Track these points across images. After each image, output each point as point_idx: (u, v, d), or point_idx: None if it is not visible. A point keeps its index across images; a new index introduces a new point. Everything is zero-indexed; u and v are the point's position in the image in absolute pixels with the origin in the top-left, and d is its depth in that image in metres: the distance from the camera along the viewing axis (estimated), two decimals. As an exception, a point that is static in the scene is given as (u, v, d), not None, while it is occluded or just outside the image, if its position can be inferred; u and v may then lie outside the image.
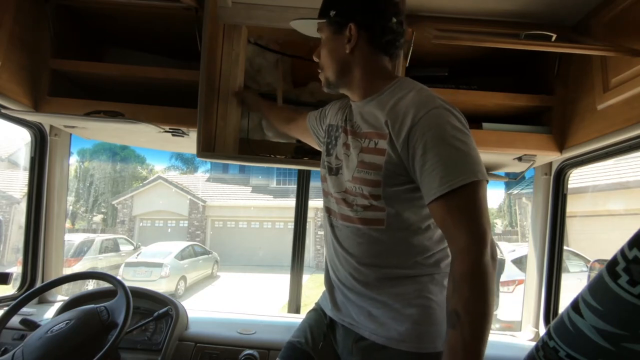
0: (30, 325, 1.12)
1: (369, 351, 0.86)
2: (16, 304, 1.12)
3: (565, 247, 1.54)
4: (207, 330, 1.36)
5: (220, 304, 7.03)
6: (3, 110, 1.26)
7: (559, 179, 1.50)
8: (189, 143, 1.53)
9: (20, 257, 1.58)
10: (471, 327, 0.67)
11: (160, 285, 6.76)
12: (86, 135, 1.64)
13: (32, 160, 1.53)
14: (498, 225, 11.71)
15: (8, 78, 1.23)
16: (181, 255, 7.84)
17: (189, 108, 1.33)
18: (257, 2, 1.31)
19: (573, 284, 3.49)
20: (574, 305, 0.72)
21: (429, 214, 0.81)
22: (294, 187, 7.20)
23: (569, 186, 1.52)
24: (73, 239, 7.38)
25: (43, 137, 1.52)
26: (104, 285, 1.24)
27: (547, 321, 1.52)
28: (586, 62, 1.23)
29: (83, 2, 1.36)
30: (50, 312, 1.45)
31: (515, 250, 5.21)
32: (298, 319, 1.11)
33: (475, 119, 1.40)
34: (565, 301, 1.33)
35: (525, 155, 1.40)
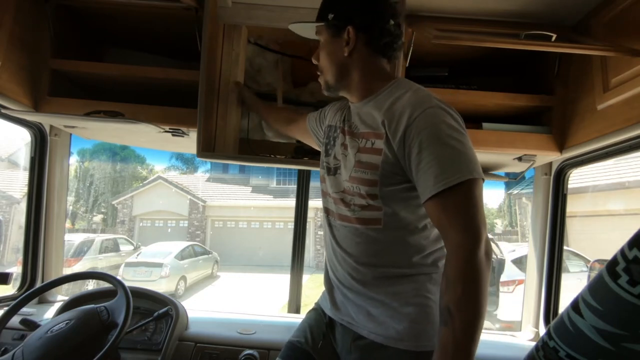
0: (30, 325, 1.12)
1: (368, 350, 0.87)
2: (16, 304, 1.12)
3: (565, 247, 1.54)
4: (207, 330, 1.36)
5: (220, 304, 7.03)
6: (3, 110, 1.26)
7: (559, 179, 1.50)
8: (189, 143, 1.53)
9: (20, 257, 1.58)
10: (463, 325, 0.68)
11: (160, 285, 6.76)
12: (86, 135, 1.64)
13: (32, 160, 1.53)
14: (498, 225, 11.71)
15: (8, 78, 1.23)
16: (181, 255, 7.84)
17: (189, 108, 1.33)
18: (257, 2, 1.31)
19: (573, 284, 3.49)
20: (574, 305, 0.72)
21: (425, 213, 0.82)
22: (294, 187, 7.19)
23: (569, 186, 1.52)
24: (73, 239, 7.37)
25: (43, 137, 1.52)
26: (104, 285, 1.24)
27: (547, 321, 1.52)
28: (586, 62, 1.23)
29: (83, 2, 1.36)
30: (50, 312, 1.45)
31: (515, 250, 5.22)
32: (298, 319, 1.11)
33: (475, 119, 1.40)
34: (565, 301, 1.33)
35: (525, 155, 1.40)
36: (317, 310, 1.05)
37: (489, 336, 1.57)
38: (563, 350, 0.73)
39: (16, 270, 1.64)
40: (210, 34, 1.27)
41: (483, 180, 0.76)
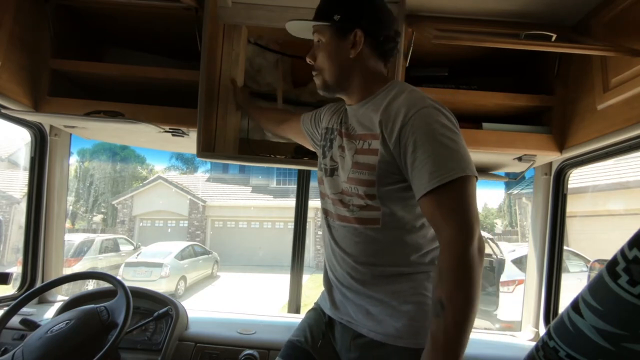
0: (30, 325, 1.12)
1: (367, 348, 0.88)
2: (16, 304, 1.12)
3: (565, 247, 1.54)
4: (207, 330, 1.36)
5: (220, 304, 7.03)
6: (3, 110, 1.26)
7: (559, 179, 1.50)
8: (189, 143, 1.53)
9: (20, 257, 1.58)
10: (454, 317, 0.69)
11: (160, 285, 6.75)
12: (86, 135, 1.64)
13: (32, 160, 1.53)
14: (498, 225, 11.70)
15: (8, 78, 1.23)
16: (181, 255, 7.84)
17: (189, 108, 1.33)
18: (257, 2, 1.31)
19: (573, 284, 3.49)
20: (574, 305, 0.72)
21: (422, 212, 0.83)
22: (294, 187, 7.19)
23: (569, 186, 1.52)
24: (73, 239, 7.36)
25: (43, 137, 1.52)
26: (104, 285, 1.24)
27: (547, 321, 1.52)
28: (586, 62, 1.23)
29: (83, 2, 1.36)
30: (50, 312, 1.45)
31: (515, 250, 5.21)
32: (298, 319, 1.11)
33: (475, 119, 1.40)
34: (565, 301, 1.33)
35: (525, 155, 1.40)
36: (317, 310, 1.05)
37: (489, 336, 1.57)
38: (563, 350, 0.73)
39: (16, 270, 1.64)
40: (210, 34, 1.27)
41: (476, 178, 0.77)
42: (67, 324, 1.04)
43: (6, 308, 1.11)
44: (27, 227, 1.54)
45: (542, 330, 1.52)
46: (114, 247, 8.37)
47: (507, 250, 5.12)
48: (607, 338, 0.65)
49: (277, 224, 10.55)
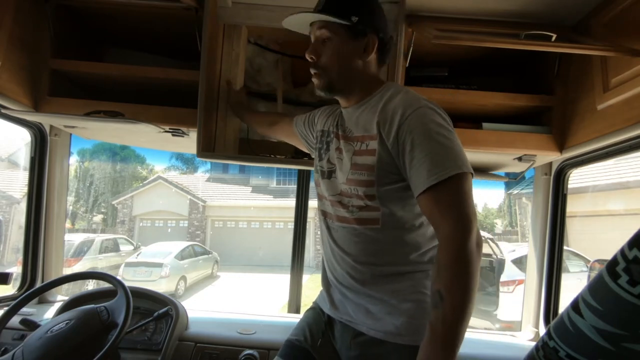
0: (30, 325, 1.12)
1: (368, 346, 0.89)
2: (16, 304, 1.12)
3: (565, 247, 1.54)
4: (207, 330, 1.36)
5: (220, 304, 7.03)
6: (3, 110, 1.26)
7: (559, 179, 1.50)
8: (189, 143, 1.53)
9: (20, 257, 1.58)
10: (453, 307, 0.70)
11: (160, 285, 6.76)
12: (86, 135, 1.64)
13: (32, 160, 1.53)
14: (498, 225, 11.70)
15: (8, 78, 1.23)
16: (181, 255, 7.84)
17: (189, 108, 1.33)
18: (257, 2, 1.31)
19: (573, 284, 3.49)
20: (574, 305, 0.72)
21: (420, 211, 0.85)
22: (294, 187, 7.20)
23: (569, 186, 1.52)
24: (73, 239, 7.37)
25: (43, 137, 1.52)
26: (104, 285, 1.24)
27: (547, 321, 1.52)
28: (586, 62, 1.23)
29: (83, 2, 1.36)
30: (50, 312, 1.45)
31: (515, 250, 5.21)
32: (298, 319, 1.11)
33: (475, 119, 1.40)
34: (565, 301, 1.33)
35: (525, 155, 1.40)
36: (316, 309, 1.06)
37: (489, 336, 1.57)
38: (563, 350, 0.73)
39: (16, 270, 1.64)
40: (210, 34, 1.27)
41: (472, 174, 0.79)
42: (67, 324, 1.04)
43: (6, 308, 1.11)
44: (27, 227, 1.54)
45: (542, 330, 1.52)
46: (114, 247, 8.38)
47: (507, 250, 5.12)
48: (607, 338, 0.65)
49: (277, 224, 10.55)
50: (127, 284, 1.15)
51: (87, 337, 1.03)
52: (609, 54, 1.09)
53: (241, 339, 1.32)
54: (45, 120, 1.47)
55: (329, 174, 0.99)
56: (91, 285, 4.30)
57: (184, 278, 7.59)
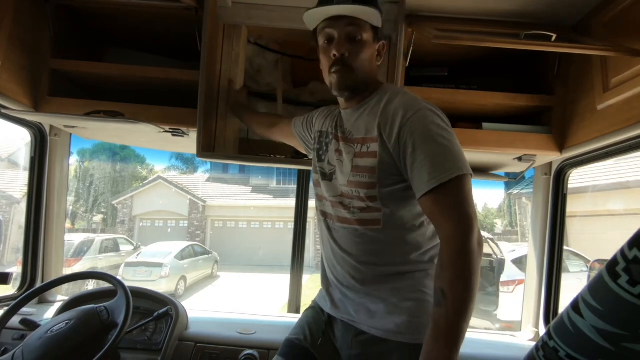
0: (30, 325, 1.12)
1: (369, 344, 0.90)
2: (16, 304, 1.12)
3: (565, 247, 1.54)
4: (207, 330, 1.36)
5: (220, 304, 7.03)
6: (3, 110, 1.26)
7: (559, 179, 1.50)
8: (189, 143, 1.53)
9: (20, 257, 1.58)
10: (455, 304, 0.72)
11: (160, 285, 6.76)
12: (86, 135, 1.64)
13: (32, 160, 1.53)
14: (498, 225, 11.71)
15: (8, 78, 1.23)
16: (181, 255, 7.84)
17: (189, 108, 1.33)
18: (257, 2, 1.31)
19: (573, 284, 3.49)
20: (574, 305, 0.71)
21: (421, 212, 0.86)
22: (294, 187, 7.20)
23: (569, 186, 1.52)
24: (73, 239, 7.37)
25: (43, 137, 1.52)
26: (104, 285, 1.24)
27: (547, 321, 1.52)
28: (586, 62, 1.23)
29: (83, 2, 1.36)
30: (50, 312, 1.45)
31: (515, 250, 5.21)
32: (298, 319, 1.11)
33: (475, 119, 1.40)
34: (565, 301, 1.33)
35: (525, 155, 1.40)
36: (315, 308, 1.06)
37: (489, 336, 1.57)
38: (563, 350, 0.73)
39: (16, 270, 1.64)
40: (210, 34, 1.27)
41: (471, 175, 0.80)
42: (67, 324, 1.04)
43: (6, 308, 1.11)
44: (27, 227, 1.54)
45: (542, 330, 1.52)
46: (114, 247, 8.38)
47: (507, 250, 5.12)
48: (607, 338, 0.65)
49: (277, 224, 10.55)
50: (127, 284, 1.15)
51: (87, 337, 1.03)
52: (609, 54, 1.09)
53: (241, 339, 1.32)
54: (45, 120, 1.47)
55: (329, 176, 0.99)
56: (91, 285, 4.31)
57: (184, 278, 7.59)
